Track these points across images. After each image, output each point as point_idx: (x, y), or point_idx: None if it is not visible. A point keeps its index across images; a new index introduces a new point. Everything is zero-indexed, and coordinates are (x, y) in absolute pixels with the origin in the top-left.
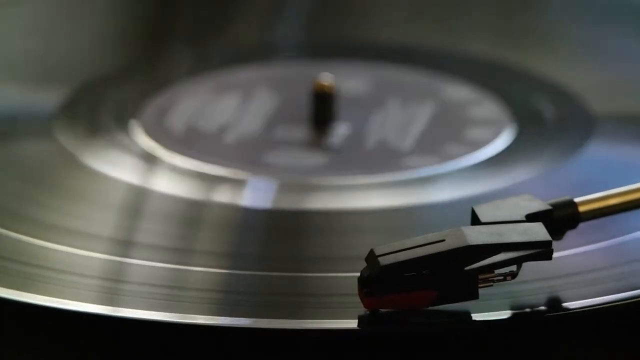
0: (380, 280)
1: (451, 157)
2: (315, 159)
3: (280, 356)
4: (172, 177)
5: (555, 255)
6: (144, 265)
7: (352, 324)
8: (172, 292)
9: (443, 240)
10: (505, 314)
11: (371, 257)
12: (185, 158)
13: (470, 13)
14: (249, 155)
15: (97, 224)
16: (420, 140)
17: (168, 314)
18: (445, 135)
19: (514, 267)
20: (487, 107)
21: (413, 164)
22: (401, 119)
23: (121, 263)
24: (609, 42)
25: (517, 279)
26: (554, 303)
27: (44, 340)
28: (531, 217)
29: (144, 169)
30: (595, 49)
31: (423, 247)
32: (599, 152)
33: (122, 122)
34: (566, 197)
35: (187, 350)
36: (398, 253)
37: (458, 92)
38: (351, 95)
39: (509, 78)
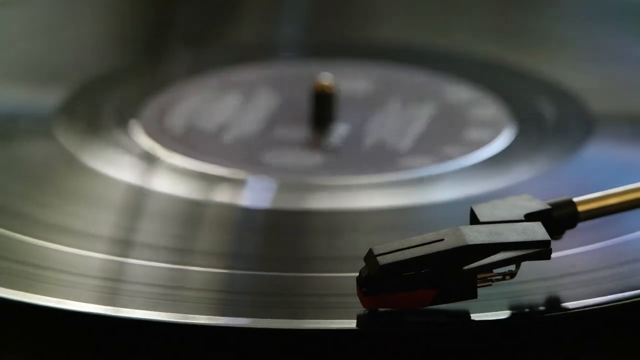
0: (379, 279)
1: (451, 157)
2: (315, 158)
3: (280, 356)
4: (172, 177)
5: (554, 255)
6: (144, 265)
7: (351, 323)
8: (171, 292)
9: (442, 240)
10: (504, 314)
11: (370, 256)
12: (185, 158)
13: (471, 13)
14: (249, 155)
15: (96, 224)
16: (420, 140)
17: (168, 314)
18: (445, 135)
19: (512, 267)
20: (487, 107)
21: (413, 164)
22: (401, 119)
23: (121, 263)
24: (609, 42)
25: (516, 278)
26: (554, 303)
27: (43, 340)
28: (530, 217)
29: (144, 168)
30: (595, 49)
31: (422, 247)
32: (598, 152)
33: (122, 122)
34: (565, 197)
35: (187, 350)
36: (397, 252)
37: (458, 92)
38: (351, 95)
39: (509, 78)
